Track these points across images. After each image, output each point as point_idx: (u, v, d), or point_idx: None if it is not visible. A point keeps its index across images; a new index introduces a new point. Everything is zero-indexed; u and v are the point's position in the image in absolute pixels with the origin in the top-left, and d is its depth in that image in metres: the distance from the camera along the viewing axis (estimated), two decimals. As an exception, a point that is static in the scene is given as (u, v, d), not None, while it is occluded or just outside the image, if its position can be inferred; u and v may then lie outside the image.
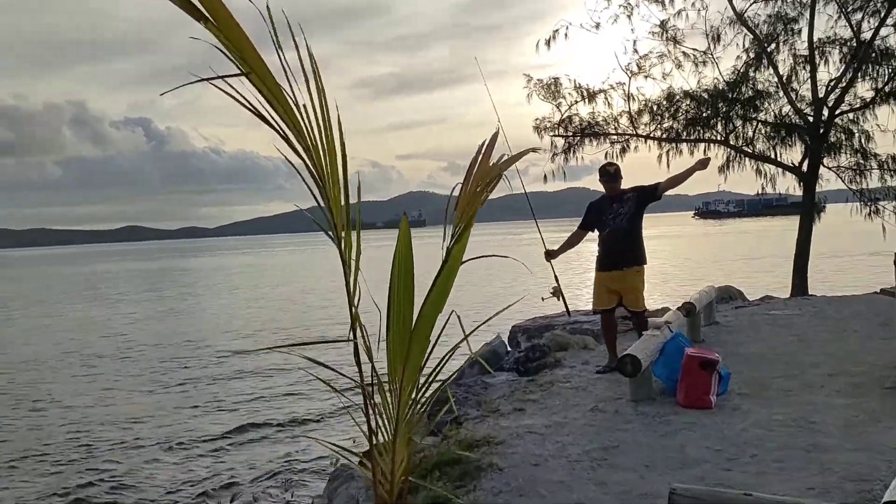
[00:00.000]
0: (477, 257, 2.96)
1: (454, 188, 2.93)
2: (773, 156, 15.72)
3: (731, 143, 15.82)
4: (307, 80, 2.57)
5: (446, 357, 2.80)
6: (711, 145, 16.27)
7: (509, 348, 9.31)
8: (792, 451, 4.50)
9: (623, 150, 16.65)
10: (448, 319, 2.72)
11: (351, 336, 2.77)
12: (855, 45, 14.44)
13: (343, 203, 2.76)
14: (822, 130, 14.79)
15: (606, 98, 16.24)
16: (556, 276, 6.99)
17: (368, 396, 2.79)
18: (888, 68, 14.42)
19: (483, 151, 2.96)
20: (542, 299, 7.16)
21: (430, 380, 2.80)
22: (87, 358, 19.14)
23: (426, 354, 2.73)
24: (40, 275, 78.45)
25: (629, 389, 5.80)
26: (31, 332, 25.72)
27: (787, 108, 15.54)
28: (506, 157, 3.05)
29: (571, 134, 16.58)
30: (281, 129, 2.64)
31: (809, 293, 14.35)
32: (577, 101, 16.38)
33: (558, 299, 7.01)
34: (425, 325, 2.68)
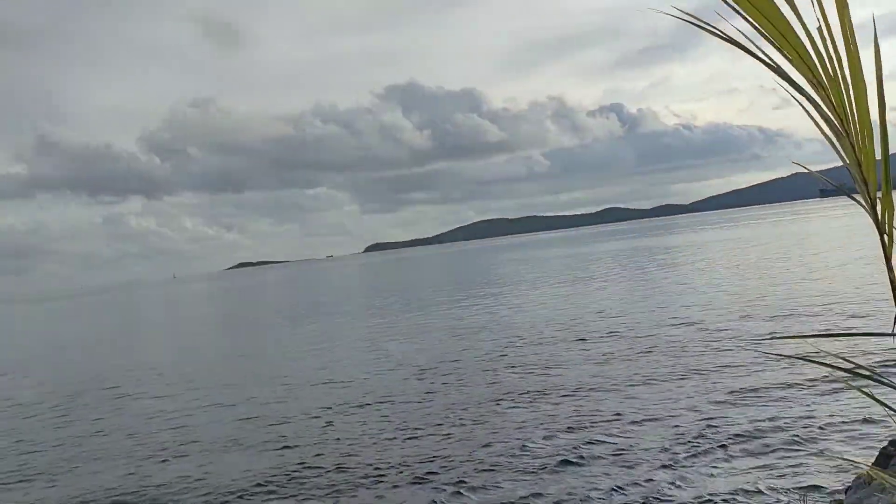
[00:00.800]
0: None
1: None
2: None
3: None
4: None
5: None
6: None
7: None
8: None
9: None
10: None
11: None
12: None
13: (881, 154, 2.08)
14: None
15: None
16: None
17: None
18: None
19: None
20: None
21: None
22: (579, 332, 20.39)
23: None
24: (534, 258, 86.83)
25: None
26: (527, 308, 28.39)
27: None
28: None
29: None
30: (776, 63, 2.08)
31: None
32: None
33: None
34: None
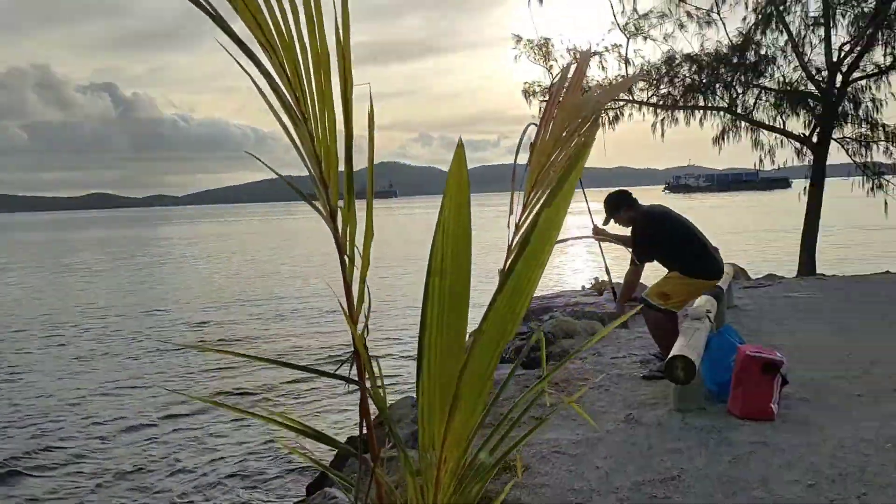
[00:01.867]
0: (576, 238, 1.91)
1: (526, 128, 1.85)
2: (777, 125, 14.79)
3: (736, 111, 14.84)
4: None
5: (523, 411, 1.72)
6: (709, 113, 15.36)
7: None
8: (908, 488, 3.50)
9: (616, 118, 15.66)
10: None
11: (353, 372, 1.67)
12: (874, 5, 13.41)
13: (343, 156, 1.63)
14: (834, 98, 13.82)
15: (601, 61, 15.19)
16: (606, 267, 6.05)
17: (376, 473, 1.70)
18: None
19: (574, 76, 1.87)
20: (583, 288, 6.24)
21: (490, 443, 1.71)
22: (51, 328, 17.90)
23: (484, 409, 1.64)
24: (9, 241, 75.98)
25: (674, 397, 4.77)
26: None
27: (793, 75, 14.60)
28: (604, 87, 1.96)
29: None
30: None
31: (818, 272, 13.49)
32: (569, 65, 15.38)
33: (600, 293, 6.03)
34: (483, 357, 1.56)
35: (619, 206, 5.89)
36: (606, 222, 6.04)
